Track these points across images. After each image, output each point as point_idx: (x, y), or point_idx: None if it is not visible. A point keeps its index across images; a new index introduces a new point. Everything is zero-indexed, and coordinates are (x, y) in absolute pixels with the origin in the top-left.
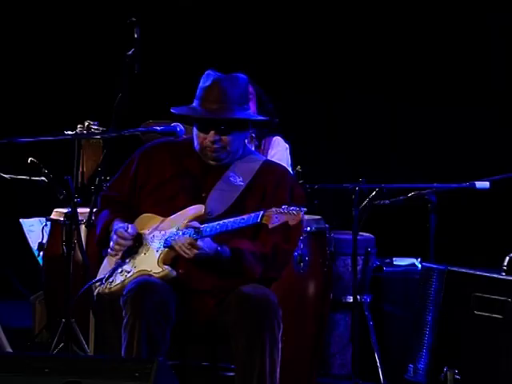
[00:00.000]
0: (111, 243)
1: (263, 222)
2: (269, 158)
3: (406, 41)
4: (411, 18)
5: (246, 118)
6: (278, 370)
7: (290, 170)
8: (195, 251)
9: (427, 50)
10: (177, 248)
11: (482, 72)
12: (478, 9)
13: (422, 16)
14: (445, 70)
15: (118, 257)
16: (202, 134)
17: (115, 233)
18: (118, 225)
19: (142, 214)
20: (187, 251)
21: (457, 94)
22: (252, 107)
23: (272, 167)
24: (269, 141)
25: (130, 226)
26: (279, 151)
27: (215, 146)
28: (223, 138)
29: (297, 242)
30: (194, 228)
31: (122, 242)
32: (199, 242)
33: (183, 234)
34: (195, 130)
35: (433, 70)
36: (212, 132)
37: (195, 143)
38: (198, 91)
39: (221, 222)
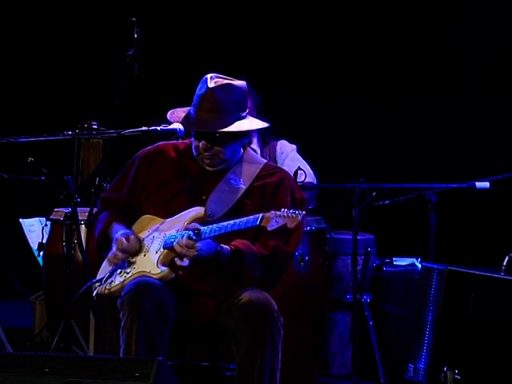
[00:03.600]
0: (109, 254)
1: (262, 224)
2: (281, 163)
3: (406, 40)
4: (409, 16)
5: (237, 129)
6: (278, 377)
7: (308, 168)
8: (194, 253)
9: (426, 50)
10: (177, 250)
11: (481, 72)
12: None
13: (417, 15)
14: (444, 70)
15: (114, 265)
16: (196, 141)
17: (115, 243)
18: (118, 232)
19: (142, 215)
20: (186, 253)
21: (457, 94)
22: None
23: (273, 170)
24: (274, 145)
25: (131, 237)
26: (290, 155)
27: (207, 153)
28: (215, 147)
29: (297, 245)
30: (194, 229)
31: (119, 254)
32: (198, 244)
33: (182, 235)
34: (192, 136)
35: (432, 70)
36: (203, 141)
37: (192, 147)
38: (194, 97)
39: (220, 224)
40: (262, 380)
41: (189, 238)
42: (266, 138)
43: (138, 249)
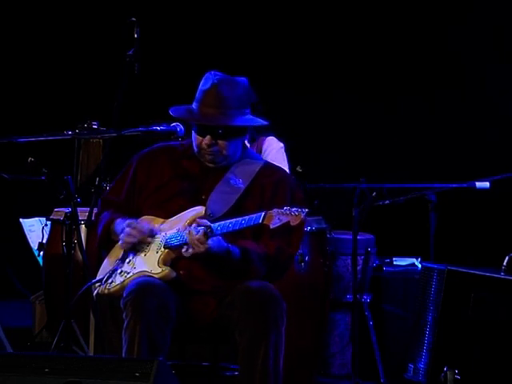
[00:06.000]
0: (122, 235)
1: (264, 222)
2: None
3: (405, 40)
4: (409, 16)
5: (242, 124)
6: (282, 362)
7: (286, 169)
8: (202, 249)
9: (426, 50)
10: (188, 240)
11: (481, 72)
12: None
13: (417, 15)
14: (444, 70)
15: (129, 247)
16: (199, 137)
17: (128, 225)
18: (125, 221)
19: (141, 216)
20: (196, 247)
21: (457, 94)
22: None
23: (272, 170)
24: (262, 141)
25: (140, 222)
26: (273, 151)
27: (211, 149)
28: (219, 142)
29: (299, 246)
30: (206, 227)
31: (134, 232)
32: (210, 241)
33: (196, 230)
34: (193, 132)
35: (432, 70)
36: (208, 136)
37: (193, 145)
38: (197, 93)
39: (222, 223)
40: (266, 370)
41: (204, 233)
42: (255, 134)
43: (148, 233)
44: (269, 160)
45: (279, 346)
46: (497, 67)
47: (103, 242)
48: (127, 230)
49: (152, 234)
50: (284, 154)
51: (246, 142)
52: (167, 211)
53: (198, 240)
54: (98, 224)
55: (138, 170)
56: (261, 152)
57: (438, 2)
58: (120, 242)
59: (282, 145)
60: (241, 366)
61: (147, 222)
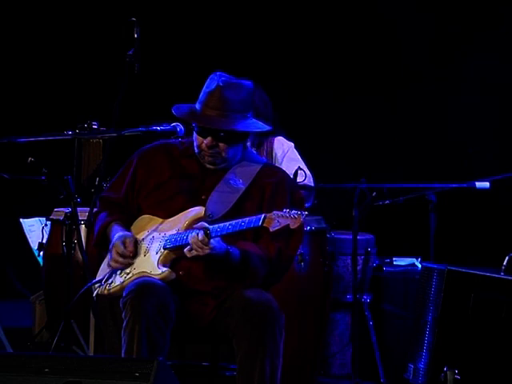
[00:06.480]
0: (109, 254)
1: (264, 225)
2: (279, 162)
3: (405, 40)
4: (408, 16)
5: (244, 129)
6: (279, 376)
7: (306, 169)
8: (207, 250)
9: (426, 50)
10: (191, 242)
11: (481, 72)
12: None
13: (417, 14)
14: (444, 70)
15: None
16: (200, 138)
17: (114, 247)
18: (116, 234)
19: (140, 215)
20: (199, 249)
21: (457, 94)
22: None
23: (272, 171)
24: (271, 141)
25: (128, 239)
26: (288, 155)
27: (212, 151)
28: (220, 144)
29: (298, 247)
30: (203, 229)
31: (119, 259)
32: (212, 241)
33: (196, 232)
34: (194, 133)
35: (432, 70)
36: (209, 138)
37: (194, 145)
38: (201, 93)
39: (221, 224)
40: (263, 379)
41: (206, 234)
42: (263, 138)
43: (135, 252)
44: (286, 163)
45: (276, 361)
46: (497, 68)
47: (99, 244)
48: (112, 254)
49: (135, 254)
50: (296, 152)
51: (249, 143)
52: (167, 211)
53: (202, 242)
54: (95, 223)
55: (138, 167)
56: (271, 153)
57: (437, 1)
58: (106, 264)
59: (292, 144)
60: (238, 373)
61: (131, 244)
